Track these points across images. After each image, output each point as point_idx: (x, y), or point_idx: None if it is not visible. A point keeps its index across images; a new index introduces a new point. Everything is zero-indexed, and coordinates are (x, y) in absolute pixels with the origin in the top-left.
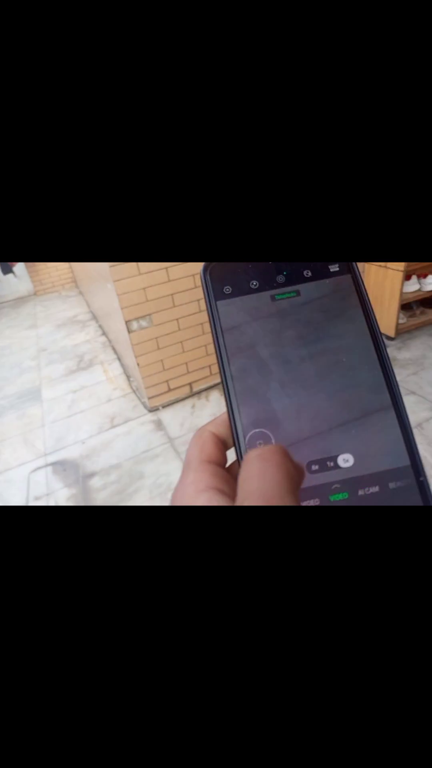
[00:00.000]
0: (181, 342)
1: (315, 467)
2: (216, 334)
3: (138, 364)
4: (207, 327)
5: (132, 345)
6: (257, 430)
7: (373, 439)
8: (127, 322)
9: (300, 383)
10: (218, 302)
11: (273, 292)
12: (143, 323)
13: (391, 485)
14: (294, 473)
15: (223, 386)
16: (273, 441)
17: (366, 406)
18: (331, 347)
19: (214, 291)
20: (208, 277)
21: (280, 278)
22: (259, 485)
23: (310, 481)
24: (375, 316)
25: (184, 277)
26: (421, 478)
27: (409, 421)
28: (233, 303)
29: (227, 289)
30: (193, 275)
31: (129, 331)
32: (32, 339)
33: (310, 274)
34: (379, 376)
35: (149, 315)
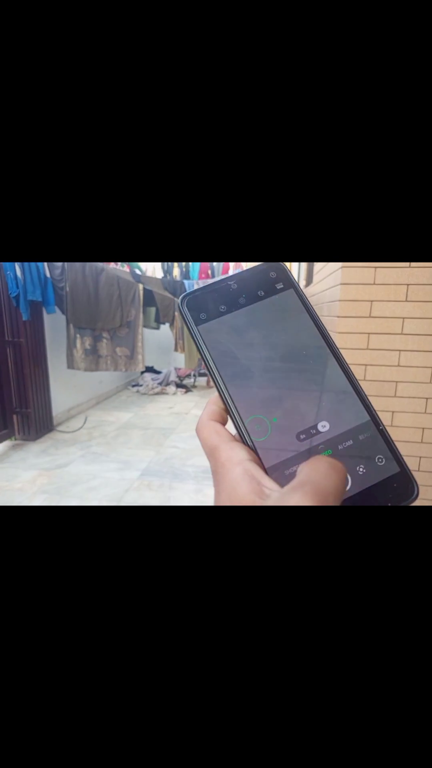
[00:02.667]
0: None
1: (303, 436)
2: (202, 350)
3: None
4: None
5: None
6: (253, 416)
7: (339, 407)
8: None
9: (275, 376)
10: (198, 327)
11: (236, 311)
12: None
13: (360, 437)
14: (343, 488)
15: (217, 388)
16: (268, 424)
17: (328, 384)
18: (291, 345)
19: (193, 318)
20: (185, 307)
21: (242, 300)
22: (319, 481)
23: (302, 446)
24: (318, 315)
25: None
26: (381, 427)
27: (361, 387)
28: (210, 325)
29: (203, 316)
30: None
31: None
32: None
33: (262, 293)
34: (332, 359)
35: None
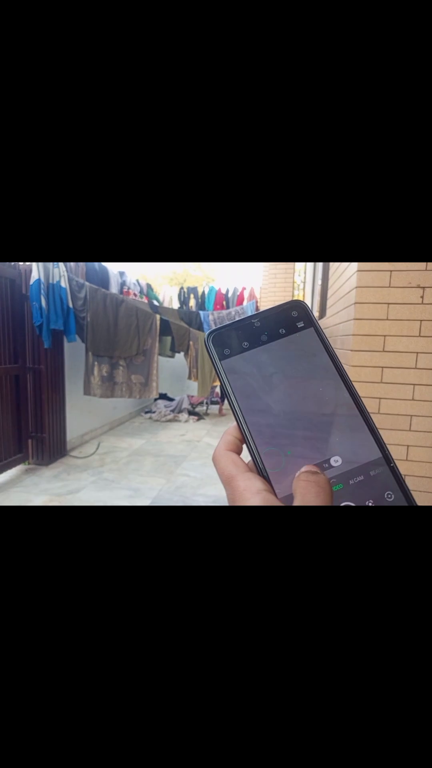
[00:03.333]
0: None
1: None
2: (224, 383)
3: None
4: None
5: None
6: (269, 448)
7: (352, 443)
8: None
9: (292, 410)
10: (222, 361)
11: (259, 348)
12: None
13: (372, 473)
14: (330, 500)
15: (236, 419)
16: (282, 456)
17: (342, 420)
18: (308, 381)
19: (218, 353)
20: (211, 343)
21: (263, 337)
22: (312, 501)
23: None
24: (336, 353)
25: None
26: (392, 465)
27: (375, 425)
28: (233, 360)
29: (227, 351)
30: None
31: None
32: None
33: (284, 331)
34: (347, 397)
35: None
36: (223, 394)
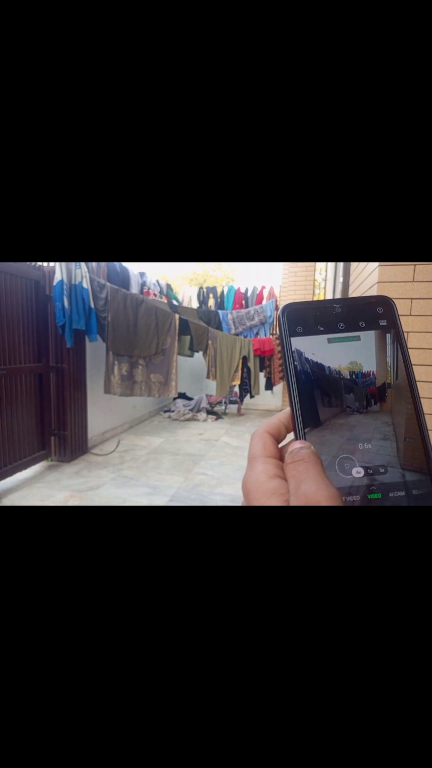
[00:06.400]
0: None
1: (359, 472)
2: (287, 361)
3: None
4: None
5: None
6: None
7: (404, 456)
8: None
9: (350, 406)
10: (291, 338)
11: (333, 335)
12: None
13: (414, 492)
14: (321, 464)
15: (290, 401)
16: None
17: (400, 431)
18: (376, 383)
19: (289, 329)
20: (285, 317)
21: (341, 325)
22: (302, 483)
23: (354, 481)
24: (411, 362)
25: None
26: None
27: (430, 444)
28: (303, 339)
29: (299, 329)
30: None
31: None
32: None
33: (363, 325)
34: (411, 409)
35: None
36: (285, 374)
